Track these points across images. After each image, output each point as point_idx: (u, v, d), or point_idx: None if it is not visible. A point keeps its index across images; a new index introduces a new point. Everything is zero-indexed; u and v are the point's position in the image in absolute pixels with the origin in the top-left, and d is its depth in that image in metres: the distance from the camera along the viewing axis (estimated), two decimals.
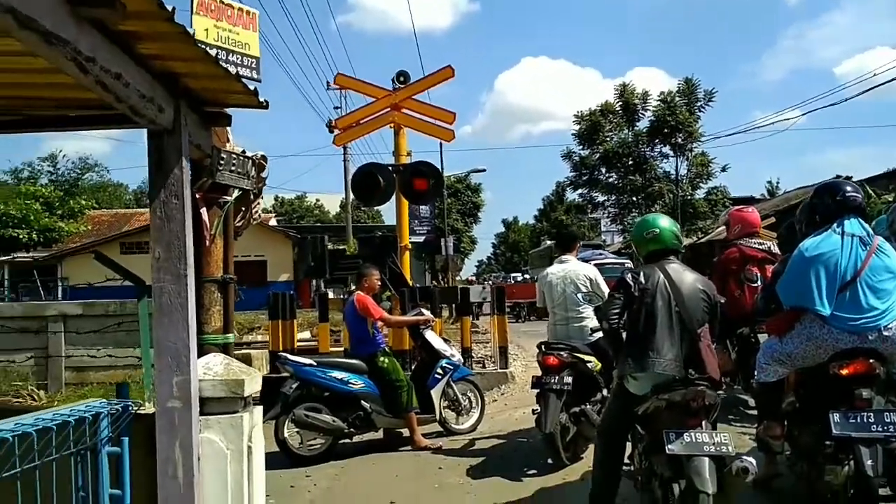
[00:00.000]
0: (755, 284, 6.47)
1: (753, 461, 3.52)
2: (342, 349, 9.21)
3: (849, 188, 4.04)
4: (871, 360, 3.70)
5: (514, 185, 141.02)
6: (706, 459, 3.53)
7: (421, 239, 28.24)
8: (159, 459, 2.84)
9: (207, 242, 3.48)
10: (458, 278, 41.36)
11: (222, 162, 3.44)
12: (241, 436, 3.03)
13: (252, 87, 3.10)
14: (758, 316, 5.83)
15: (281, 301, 9.19)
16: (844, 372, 3.71)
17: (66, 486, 2.57)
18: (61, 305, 11.22)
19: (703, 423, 3.74)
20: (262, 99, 3.23)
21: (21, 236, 23.91)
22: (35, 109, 3.40)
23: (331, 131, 32.76)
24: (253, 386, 3.13)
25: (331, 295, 10.95)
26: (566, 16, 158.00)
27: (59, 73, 2.57)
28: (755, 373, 4.60)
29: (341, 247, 23.49)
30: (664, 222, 4.23)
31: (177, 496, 2.84)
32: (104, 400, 2.74)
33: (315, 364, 6.47)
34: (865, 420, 3.55)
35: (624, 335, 4.09)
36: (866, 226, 3.92)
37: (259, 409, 3.28)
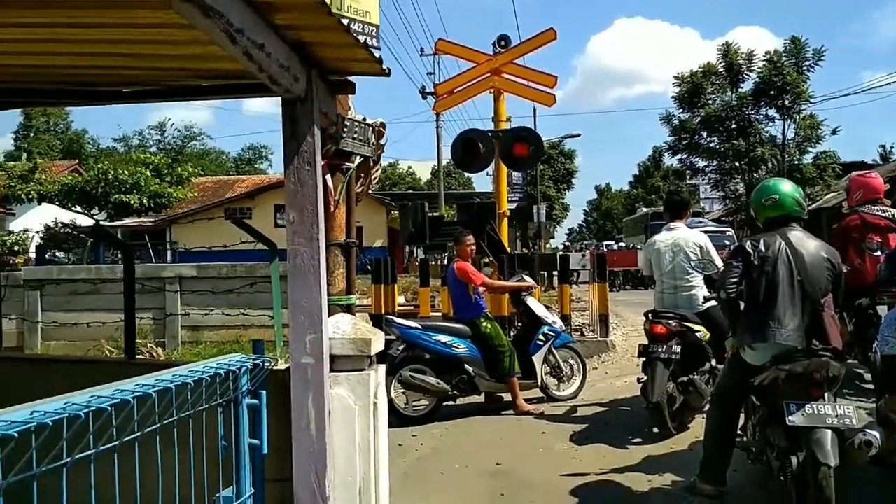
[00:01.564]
0: (876, 254, 6.16)
1: (878, 434, 3.43)
2: (440, 314, 9.39)
3: None
4: None
5: (608, 151, 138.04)
6: (829, 432, 3.45)
7: (514, 206, 28.14)
8: (294, 412, 2.99)
9: (332, 208, 3.60)
10: (548, 246, 41.07)
11: (346, 129, 3.53)
12: (368, 392, 3.15)
13: (377, 56, 3.17)
14: (881, 286, 5.57)
15: (383, 266, 9.43)
16: None
17: (208, 437, 2.76)
18: (177, 267, 11.88)
19: (826, 394, 3.63)
20: (384, 67, 3.29)
21: (132, 202, 25.26)
22: (173, 80, 3.58)
23: (424, 97, 33.01)
24: (378, 345, 3.25)
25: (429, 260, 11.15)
26: None
27: (197, 44, 2.71)
28: (877, 345, 4.47)
29: (436, 213, 23.71)
30: (786, 187, 4.09)
31: (310, 446, 2.99)
32: (244, 355, 2.90)
33: (420, 327, 6.63)
34: None
35: (742, 305, 4.00)
36: None
37: (382, 368, 3.40)
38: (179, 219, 30.40)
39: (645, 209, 44.62)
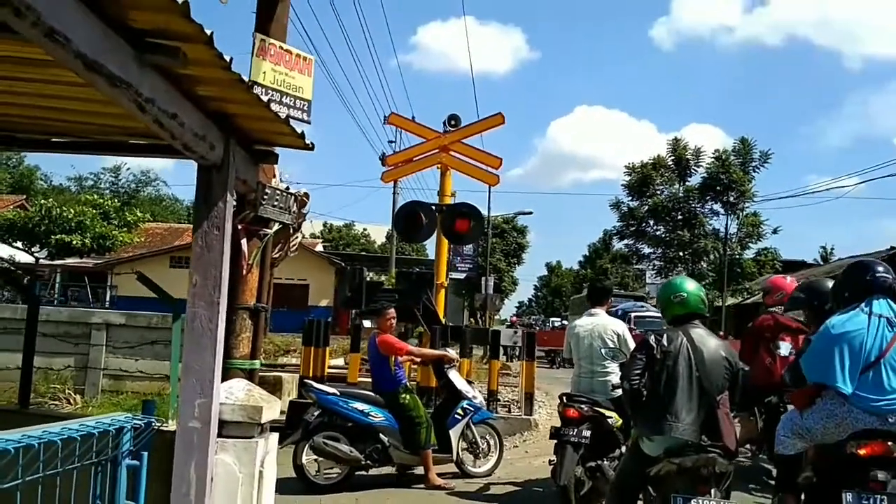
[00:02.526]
0: (784, 355, 6.42)
1: None
2: (370, 380, 9.33)
3: (880, 268, 4.05)
4: (890, 443, 3.67)
5: (561, 230, 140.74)
6: None
7: (462, 276, 28.36)
8: (175, 477, 2.97)
9: (244, 272, 3.66)
10: (496, 318, 41.26)
11: (266, 197, 3.62)
12: (254, 460, 3.15)
13: (300, 130, 3.29)
14: (785, 387, 5.78)
15: (315, 328, 9.37)
16: (862, 452, 3.68)
17: (84, 495, 2.72)
18: (106, 314, 11.62)
19: (713, 490, 3.76)
20: (308, 141, 3.41)
21: (75, 241, 24.76)
22: (103, 135, 3.65)
23: (383, 164, 33.51)
24: (271, 413, 3.26)
25: (367, 324, 11.12)
26: (625, 69, 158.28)
27: (120, 105, 2.80)
28: (775, 445, 4.59)
29: (381, 279, 23.73)
30: (691, 286, 4.31)
31: None
32: (129, 414, 2.89)
33: (338, 394, 6.59)
34: (878, 503, 3.55)
35: (644, 395, 4.13)
36: (895, 307, 3.88)
37: (274, 437, 3.40)
38: (122, 263, 29.78)
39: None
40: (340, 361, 13.62)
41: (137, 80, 2.32)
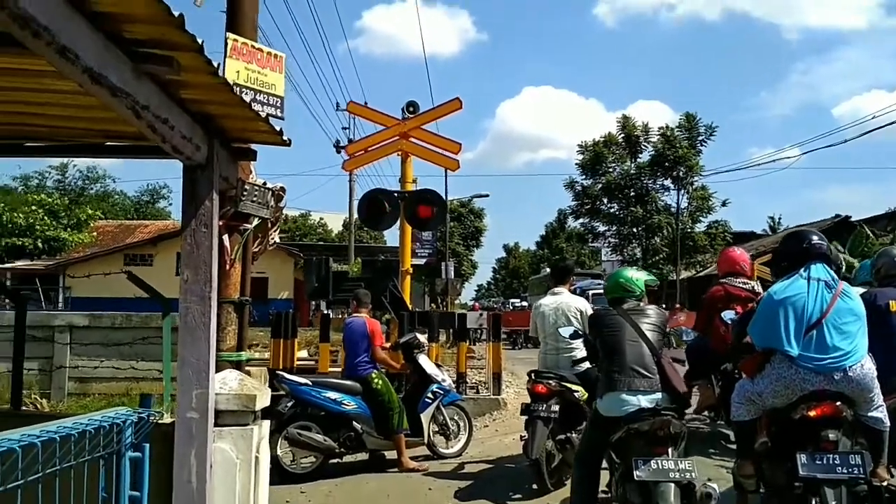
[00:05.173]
0: (728, 320, 6.73)
1: (716, 487, 3.86)
2: (340, 370, 9.47)
3: (814, 236, 4.25)
4: (839, 403, 3.81)
5: (516, 211, 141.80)
6: (672, 485, 3.86)
7: (422, 262, 28.52)
8: (176, 465, 3.11)
9: (227, 267, 3.78)
10: (457, 302, 41.58)
11: (245, 193, 3.75)
12: (251, 447, 3.30)
13: (278, 128, 3.43)
14: (734, 350, 6.03)
15: (284, 320, 9.45)
16: (812, 414, 3.82)
17: (89, 488, 2.84)
18: (69, 316, 11.48)
19: (670, 450, 4.06)
20: (285, 137, 3.54)
21: (26, 244, 24.20)
22: (78, 138, 3.71)
23: (338, 151, 33.29)
24: (263, 401, 3.42)
25: (330, 315, 11.23)
26: (571, 49, 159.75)
27: (106, 109, 2.90)
28: (731, 412, 4.71)
29: (344, 268, 23.76)
30: (628, 274, 4.84)
31: (190, 499, 3.10)
32: (129, 409, 3.01)
33: (311, 384, 6.73)
34: (831, 462, 3.69)
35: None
36: (831, 271, 4.09)
37: (267, 423, 3.55)
38: (74, 263, 29.14)
39: (549, 269, 46.04)
40: (303, 353, 13.68)
41: (135, 89, 2.44)
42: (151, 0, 2.09)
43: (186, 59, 2.47)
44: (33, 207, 25.59)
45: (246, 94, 3.93)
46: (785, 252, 4.32)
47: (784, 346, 3.91)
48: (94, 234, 31.55)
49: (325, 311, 10.50)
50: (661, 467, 3.85)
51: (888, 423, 4.01)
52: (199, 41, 2.39)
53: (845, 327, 3.89)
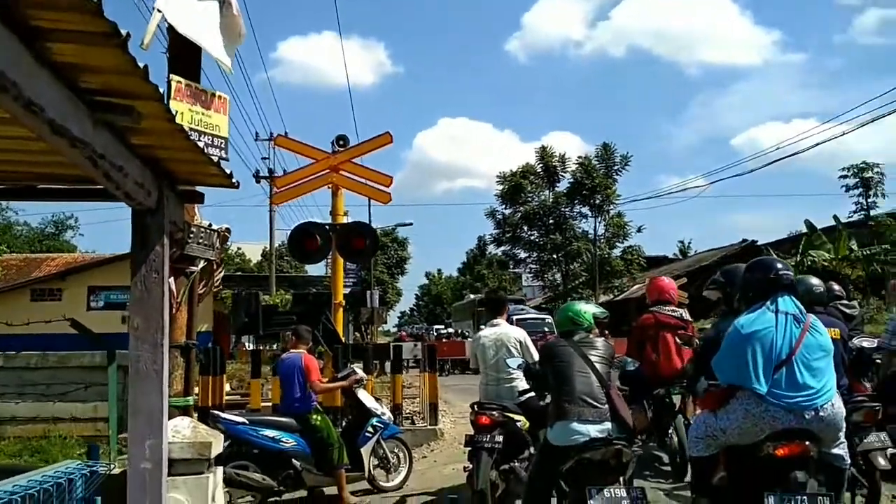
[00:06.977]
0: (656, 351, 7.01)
1: None
2: (270, 405, 9.28)
3: (780, 266, 4.13)
4: (807, 442, 3.66)
5: (438, 240, 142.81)
6: None
7: (347, 291, 28.25)
8: None
9: (174, 310, 3.70)
10: (380, 329, 41.32)
11: (192, 235, 3.70)
12: (206, 495, 3.23)
13: (228, 171, 3.41)
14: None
15: (211, 356, 9.20)
16: (780, 453, 3.66)
17: None
18: None
19: (621, 479, 4.18)
20: (234, 180, 3.53)
21: None
22: (36, 182, 3.58)
23: (258, 181, 32.76)
24: (217, 448, 3.35)
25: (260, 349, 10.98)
26: (485, 82, 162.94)
27: (56, 154, 2.83)
28: (687, 447, 4.59)
29: (266, 299, 23.27)
30: (577, 307, 5.03)
31: None
32: (79, 462, 2.91)
33: (247, 422, 6.58)
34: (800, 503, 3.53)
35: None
36: (798, 303, 3.95)
37: (220, 470, 3.48)
38: None
39: (472, 296, 46.46)
40: (227, 387, 13.32)
41: (92, 138, 2.40)
42: (119, 52, 2.08)
43: (146, 108, 2.46)
44: None
45: (191, 136, 3.89)
46: (751, 281, 4.14)
47: (752, 384, 3.75)
48: None
49: (255, 347, 10.27)
50: (614, 496, 3.98)
51: (849, 461, 3.94)
52: (161, 90, 2.39)
53: (815, 363, 3.77)
